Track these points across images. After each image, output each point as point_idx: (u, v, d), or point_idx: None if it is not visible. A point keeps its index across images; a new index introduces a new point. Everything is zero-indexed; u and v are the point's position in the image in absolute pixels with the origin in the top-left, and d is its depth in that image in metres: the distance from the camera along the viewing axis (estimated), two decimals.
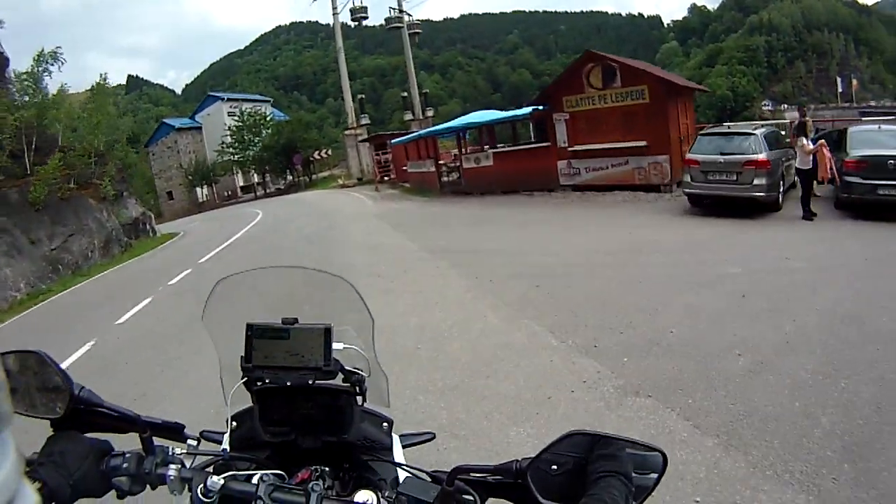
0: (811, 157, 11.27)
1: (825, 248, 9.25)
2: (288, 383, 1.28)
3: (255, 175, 56.98)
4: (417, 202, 23.43)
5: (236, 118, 55.12)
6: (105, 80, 27.95)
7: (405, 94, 49.08)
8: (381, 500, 1.10)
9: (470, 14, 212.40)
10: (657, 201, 14.98)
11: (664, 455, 1.00)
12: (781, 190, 12.38)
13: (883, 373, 4.55)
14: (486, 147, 23.49)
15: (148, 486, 1.15)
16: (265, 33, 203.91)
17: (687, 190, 12.92)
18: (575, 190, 17.73)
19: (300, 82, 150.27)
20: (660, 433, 3.98)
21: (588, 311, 6.80)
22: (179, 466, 1.13)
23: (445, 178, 25.09)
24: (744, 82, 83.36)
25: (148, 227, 28.30)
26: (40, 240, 18.63)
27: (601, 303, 7.13)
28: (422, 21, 55.60)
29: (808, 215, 11.23)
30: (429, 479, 1.16)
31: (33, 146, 21.45)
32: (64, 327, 10.54)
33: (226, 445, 1.34)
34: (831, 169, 11.10)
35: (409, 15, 48.51)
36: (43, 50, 23.59)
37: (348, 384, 1.32)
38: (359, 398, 1.33)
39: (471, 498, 1.03)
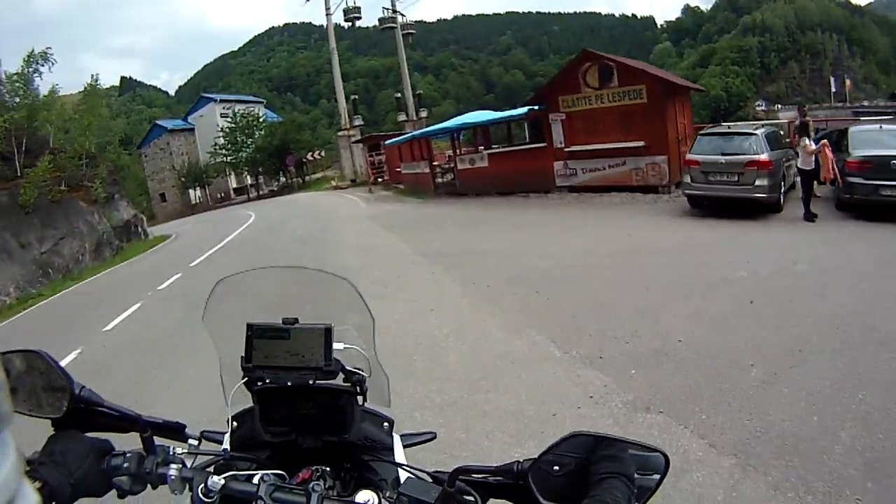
0: (813, 158, 11.11)
1: (829, 250, 9.06)
2: (288, 383, 1.27)
3: (249, 177, 56.74)
4: (411, 204, 23.19)
5: (229, 119, 54.82)
6: (96, 81, 27.87)
7: (399, 95, 48.78)
8: (382, 500, 1.10)
9: (463, 15, 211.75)
10: (656, 202, 14.77)
11: (666, 456, 1.00)
12: (782, 191, 12.19)
13: None
14: (481, 148, 23.22)
15: (149, 486, 1.14)
16: (259, 34, 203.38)
17: (687, 191, 12.70)
18: (572, 191, 17.51)
19: (294, 84, 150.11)
20: (674, 453, 3.71)
21: (590, 318, 6.56)
22: (180, 466, 1.13)
23: (440, 180, 24.84)
24: (737, 83, 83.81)
25: (140, 229, 28.11)
26: (30, 243, 18.50)
27: (603, 309, 6.89)
28: (415, 22, 55.25)
29: (810, 216, 11.05)
30: (430, 480, 1.16)
31: (23, 148, 21.35)
32: (51, 334, 10.35)
33: (226, 445, 1.34)
34: (833, 169, 10.94)
35: (403, 15, 48.25)
36: (33, 50, 23.54)
37: (349, 384, 1.31)
38: (359, 398, 1.32)
39: (472, 499, 1.03)
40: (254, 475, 1.11)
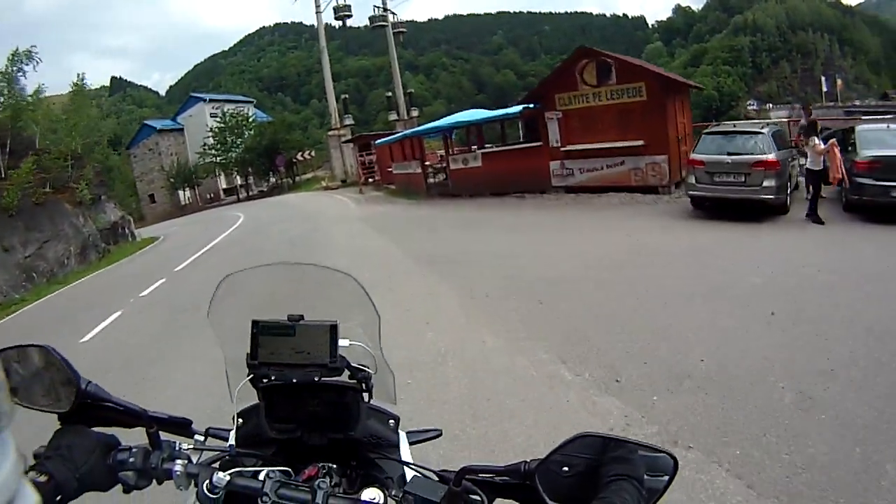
0: (822, 158, 10.77)
1: (842, 254, 8.74)
2: (294, 380, 1.25)
3: (238, 177, 56.27)
4: (402, 205, 22.74)
5: (218, 119, 54.36)
6: (83, 80, 27.59)
7: (390, 94, 48.62)
8: (389, 498, 1.09)
9: (454, 15, 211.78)
10: (656, 203, 14.37)
11: (674, 458, 0.99)
12: (789, 192, 11.83)
13: None
14: (474, 147, 22.82)
15: (154, 481, 1.14)
16: (249, 34, 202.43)
17: (691, 192, 12.28)
18: (568, 192, 17.11)
19: (284, 83, 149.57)
20: (710, 498, 3.26)
21: (600, 333, 6.04)
22: (186, 462, 1.13)
23: (432, 180, 24.33)
24: (729, 82, 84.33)
25: (127, 231, 27.64)
26: (14, 247, 18.10)
27: (614, 322, 6.37)
28: (406, 22, 55.07)
29: (817, 218, 10.76)
30: (436, 479, 1.13)
31: (7, 149, 21.12)
32: None
33: (232, 442, 1.32)
34: (841, 170, 10.61)
35: (394, 14, 48.06)
36: (17, 49, 23.29)
37: (354, 381, 1.31)
38: (365, 395, 1.32)
39: (478, 498, 1.02)
40: (259, 472, 1.12)
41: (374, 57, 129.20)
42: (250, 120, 55.38)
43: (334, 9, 46.16)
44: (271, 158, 48.03)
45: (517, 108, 19.61)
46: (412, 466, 1.25)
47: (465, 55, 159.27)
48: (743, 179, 11.28)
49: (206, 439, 1.26)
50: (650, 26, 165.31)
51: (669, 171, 14.89)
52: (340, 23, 50.08)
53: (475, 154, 21.25)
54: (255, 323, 1.26)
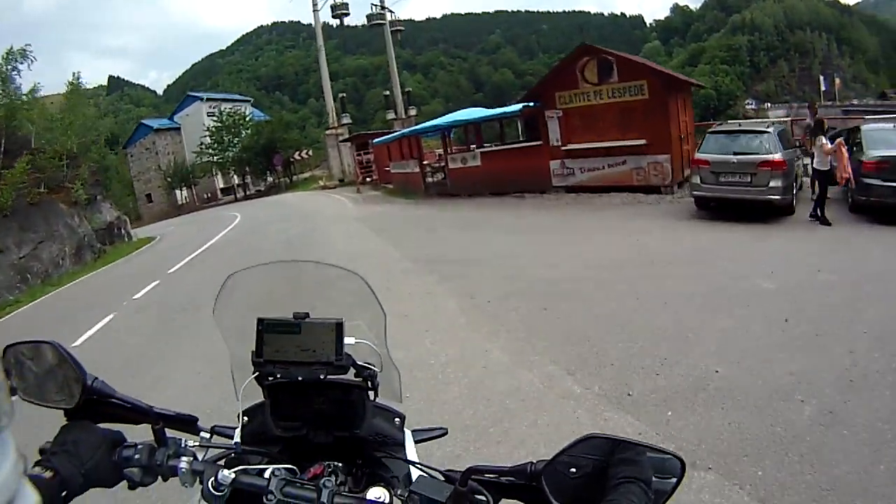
0: (829, 158, 10.58)
1: (851, 256, 8.54)
2: (299, 378, 1.25)
3: (236, 176, 56.09)
4: (400, 205, 22.55)
5: (215, 118, 54.20)
6: (78, 79, 27.48)
7: (387, 93, 48.53)
8: (394, 497, 1.09)
9: (452, 14, 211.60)
10: (659, 203, 14.16)
11: (682, 461, 0.97)
12: (795, 192, 11.63)
13: None
14: (473, 146, 22.64)
15: (159, 478, 1.14)
16: (247, 33, 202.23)
17: (696, 192, 12.06)
18: (569, 191, 16.91)
19: (282, 82, 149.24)
20: None
21: (608, 342, 5.78)
22: (191, 459, 1.13)
23: (430, 179, 24.15)
24: (727, 81, 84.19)
25: (123, 231, 27.64)
26: (8, 248, 17.99)
27: (622, 330, 6.10)
28: (404, 20, 55.08)
29: (825, 220, 10.60)
30: (442, 479, 1.13)
31: (2, 148, 21.07)
32: None
33: (237, 439, 1.31)
34: (848, 170, 10.44)
35: (392, 12, 47.94)
36: (11, 48, 23.29)
37: (360, 379, 1.28)
38: (371, 393, 1.28)
39: (483, 498, 1.01)
40: (264, 469, 1.12)
41: (371, 56, 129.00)
42: (248, 119, 55.30)
43: (332, 7, 46.24)
44: (269, 158, 47.92)
45: (517, 107, 19.36)
46: (418, 466, 1.24)
47: (462, 54, 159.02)
48: (749, 179, 11.08)
49: (211, 437, 1.27)
50: (648, 25, 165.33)
51: (672, 170, 14.69)
52: (338, 22, 50.18)
53: (474, 153, 21.08)
54: (260, 321, 1.26)
